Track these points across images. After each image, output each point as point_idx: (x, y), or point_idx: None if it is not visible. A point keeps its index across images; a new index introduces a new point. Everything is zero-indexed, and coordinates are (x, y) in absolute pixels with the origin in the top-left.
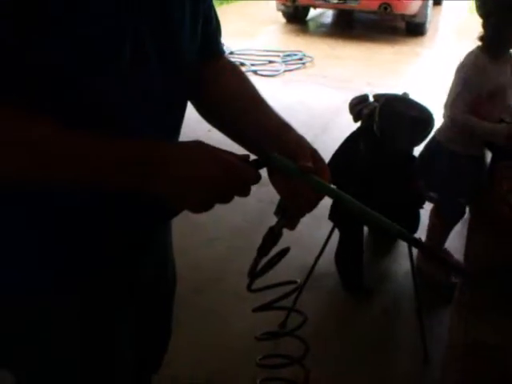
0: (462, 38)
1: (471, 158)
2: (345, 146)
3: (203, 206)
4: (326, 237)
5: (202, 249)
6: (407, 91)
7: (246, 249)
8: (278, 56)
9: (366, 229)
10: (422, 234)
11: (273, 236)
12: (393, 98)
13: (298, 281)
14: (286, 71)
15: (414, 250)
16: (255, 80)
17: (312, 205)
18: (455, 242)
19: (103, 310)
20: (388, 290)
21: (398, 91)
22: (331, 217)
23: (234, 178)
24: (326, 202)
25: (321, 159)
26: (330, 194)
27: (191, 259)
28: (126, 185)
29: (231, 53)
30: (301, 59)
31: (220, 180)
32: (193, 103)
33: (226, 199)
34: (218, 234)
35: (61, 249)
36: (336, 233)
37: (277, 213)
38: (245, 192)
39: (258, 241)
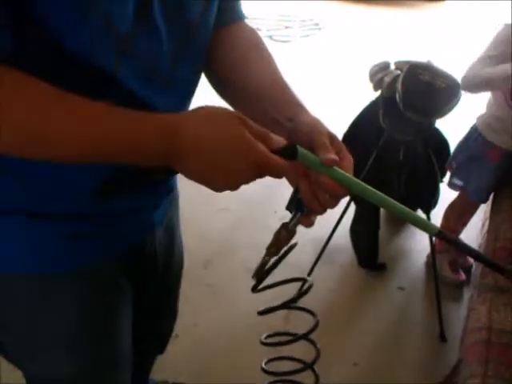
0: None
1: (507, 152)
2: (363, 116)
3: (228, 188)
4: (341, 211)
5: (210, 220)
6: (431, 59)
7: (254, 221)
8: (295, 21)
9: None
10: (440, 208)
11: (286, 234)
12: (416, 65)
13: (309, 279)
14: (302, 37)
15: None
16: (270, 45)
17: (338, 200)
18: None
19: (105, 292)
20: (404, 266)
21: (421, 59)
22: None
23: (265, 174)
24: None
25: (342, 146)
26: (360, 190)
27: (198, 231)
28: (149, 158)
29: (247, 18)
30: (317, 24)
31: (250, 174)
32: (206, 74)
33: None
34: (226, 205)
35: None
36: (352, 207)
37: (290, 207)
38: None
39: (267, 213)
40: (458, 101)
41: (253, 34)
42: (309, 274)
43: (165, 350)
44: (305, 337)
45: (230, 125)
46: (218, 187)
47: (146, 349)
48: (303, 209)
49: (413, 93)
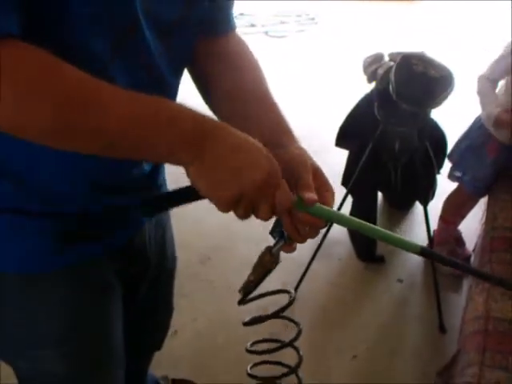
0: None
1: (503, 146)
2: (357, 109)
3: (232, 201)
4: (338, 203)
5: (208, 215)
6: (425, 49)
7: (252, 216)
8: (290, 16)
9: (380, 196)
10: (439, 201)
11: (270, 257)
12: (410, 56)
13: (293, 292)
14: (298, 32)
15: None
16: (266, 41)
17: (317, 232)
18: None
19: (94, 288)
20: (402, 259)
21: (416, 49)
22: (344, 183)
23: (273, 183)
24: (340, 168)
25: (324, 179)
26: (341, 222)
27: (197, 227)
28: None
29: (241, 14)
30: (313, 19)
31: (265, 180)
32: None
33: (253, 206)
34: None
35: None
36: (349, 199)
37: (273, 233)
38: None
39: None
40: (451, 91)
41: (243, 47)
42: (307, 268)
43: (162, 346)
44: (290, 344)
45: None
46: (228, 193)
47: (142, 346)
48: (285, 238)
49: (406, 83)
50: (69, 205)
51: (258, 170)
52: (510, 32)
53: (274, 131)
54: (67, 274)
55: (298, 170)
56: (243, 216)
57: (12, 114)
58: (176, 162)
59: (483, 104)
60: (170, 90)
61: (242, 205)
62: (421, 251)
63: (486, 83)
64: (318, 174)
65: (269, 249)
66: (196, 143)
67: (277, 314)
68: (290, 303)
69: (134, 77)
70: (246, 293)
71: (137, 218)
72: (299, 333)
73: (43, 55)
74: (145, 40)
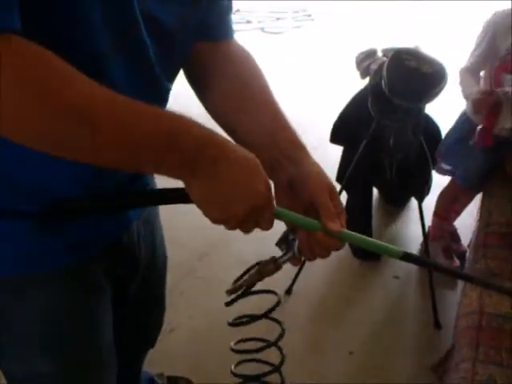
0: None
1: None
2: (352, 105)
3: (221, 221)
4: None
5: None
6: (419, 44)
7: None
8: (286, 12)
9: (375, 192)
10: (434, 196)
11: (273, 268)
12: (402, 51)
13: (278, 293)
14: (294, 28)
15: (425, 214)
16: (262, 37)
17: (330, 252)
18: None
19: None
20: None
21: (410, 45)
22: (339, 179)
23: (257, 209)
24: (333, 164)
25: (339, 200)
26: (354, 240)
27: (193, 224)
28: (158, 159)
29: (238, 10)
30: (309, 15)
31: (260, 198)
32: (196, 93)
33: (244, 222)
34: None
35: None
36: (344, 195)
37: (281, 245)
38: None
39: None
40: (444, 86)
41: (247, 57)
42: (303, 264)
43: (155, 344)
44: (274, 344)
45: (254, 157)
46: (222, 205)
47: (135, 344)
48: (295, 252)
49: (398, 79)
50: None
51: (253, 197)
52: (510, 32)
53: (289, 145)
54: (53, 275)
55: (316, 192)
56: (230, 229)
57: (10, 115)
58: (172, 176)
59: (465, 94)
60: (165, 93)
61: (231, 224)
62: (403, 256)
63: (466, 74)
64: (332, 193)
65: (274, 259)
66: (196, 165)
67: (261, 316)
68: (277, 304)
69: (132, 78)
70: (235, 295)
71: (124, 218)
72: (282, 333)
73: (53, 58)
74: (144, 42)
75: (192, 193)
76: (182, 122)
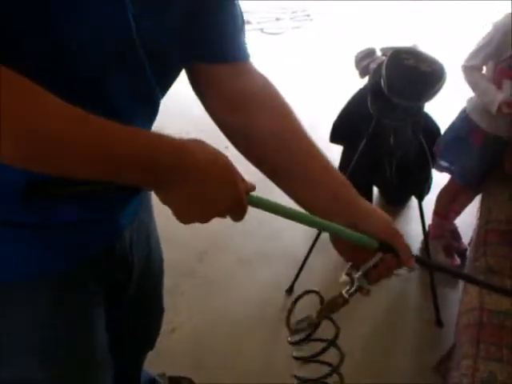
0: None
1: (495, 138)
2: (351, 104)
3: (192, 219)
4: None
5: None
6: (417, 43)
7: (248, 213)
8: (285, 13)
9: (375, 191)
10: (434, 195)
11: (343, 302)
12: (401, 50)
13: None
14: (293, 28)
15: (425, 213)
16: (262, 38)
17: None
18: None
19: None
20: None
21: (409, 44)
22: None
23: (233, 211)
24: (336, 164)
25: (400, 235)
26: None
27: (193, 224)
28: (135, 178)
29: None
30: (308, 15)
31: (226, 204)
32: (213, 117)
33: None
34: None
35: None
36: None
37: (350, 278)
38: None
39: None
40: (442, 84)
41: (270, 87)
42: (304, 263)
43: (154, 346)
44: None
45: (221, 156)
46: (196, 214)
47: (134, 346)
48: (361, 283)
49: (397, 78)
50: (31, 214)
51: (223, 202)
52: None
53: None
54: (41, 283)
55: (395, 241)
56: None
57: None
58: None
59: (480, 92)
60: (157, 107)
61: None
62: (379, 246)
63: (473, 72)
64: (396, 232)
65: (342, 294)
66: (169, 180)
67: (326, 348)
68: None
69: (126, 92)
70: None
71: (115, 226)
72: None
73: (25, 82)
74: (140, 59)
75: (164, 201)
76: (156, 142)
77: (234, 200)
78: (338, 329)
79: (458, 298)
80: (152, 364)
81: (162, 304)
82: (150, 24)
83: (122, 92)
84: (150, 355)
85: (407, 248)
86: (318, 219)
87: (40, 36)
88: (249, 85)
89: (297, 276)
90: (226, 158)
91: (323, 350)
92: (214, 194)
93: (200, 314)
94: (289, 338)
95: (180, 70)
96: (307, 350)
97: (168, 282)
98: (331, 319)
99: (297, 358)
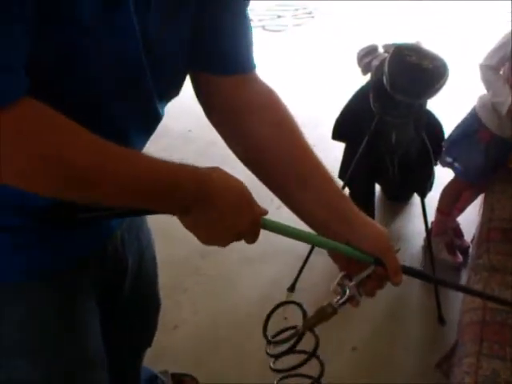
0: None
1: (503, 138)
2: (353, 101)
3: (214, 242)
4: None
5: None
6: (420, 40)
7: None
8: (287, 10)
9: (377, 188)
10: (437, 192)
11: (332, 312)
12: (403, 47)
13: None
14: (295, 26)
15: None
16: (263, 35)
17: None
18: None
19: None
20: (401, 250)
21: (411, 40)
22: (341, 176)
23: (250, 235)
24: (335, 161)
25: (392, 250)
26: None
27: None
28: (162, 204)
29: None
30: (310, 13)
31: (244, 231)
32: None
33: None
34: None
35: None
36: (346, 191)
37: (336, 289)
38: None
39: (264, 202)
40: (445, 81)
41: (275, 99)
42: (306, 260)
43: (152, 343)
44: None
45: (238, 182)
46: (217, 238)
47: (132, 344)
48: (353, 293)
49: (399, 74)
50: (21, 218)
51: (242, 226)
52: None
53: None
54: (31, 284)
55: (386, 257)
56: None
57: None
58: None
59: (493, 92)
60: (158, 123)
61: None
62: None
63: (488, 71)
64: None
65: (331, 304)
66: (191, 206)
67: (306, 360)
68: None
69: (131, 117)
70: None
71: (104, 227)
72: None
73: (60, 119)
74: (149, 87)
75: (185, 224)
76: (176, 168)
77: (253, 224)
78: (317, 339)
79: (460, 296)
80: (154, 361)
81: (159, 300)
82: (162, 49)
83: (127, 115)
84: (153, 352)
85: (396, 264)
86: (328, 240)
87: (67, 78)
88: (253, 94)
89: (299, 274)
90: (242, 183)
91: (304, 362)
92: (233, 218)
93: (203, 311)
94: (268, 350)
95: (180, 85)
96: (286, 360)
97: (171, 279)
98: (311, 329)
99: (276, 371)
